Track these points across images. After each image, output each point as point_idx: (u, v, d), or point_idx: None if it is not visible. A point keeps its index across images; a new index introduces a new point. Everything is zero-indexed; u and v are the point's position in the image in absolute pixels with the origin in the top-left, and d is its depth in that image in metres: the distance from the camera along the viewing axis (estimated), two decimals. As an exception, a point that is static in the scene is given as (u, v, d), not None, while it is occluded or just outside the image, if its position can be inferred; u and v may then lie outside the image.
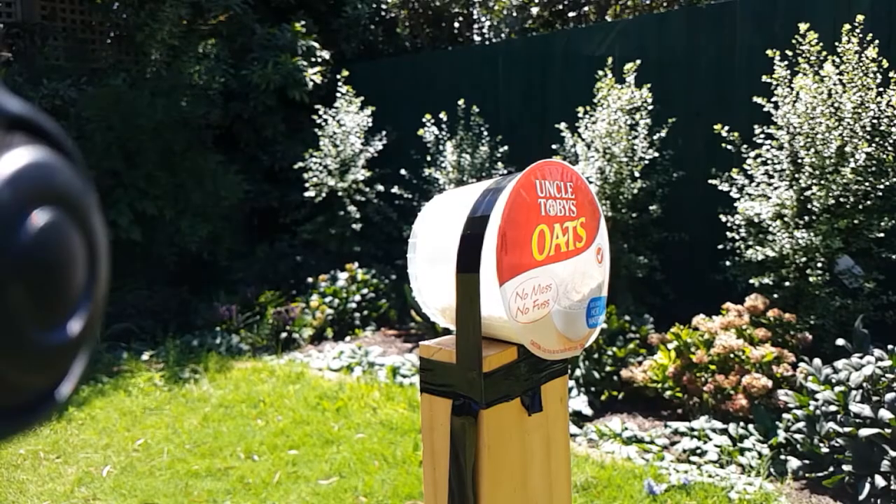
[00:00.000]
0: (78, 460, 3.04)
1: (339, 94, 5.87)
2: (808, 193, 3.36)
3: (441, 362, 0.84)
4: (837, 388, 2.71)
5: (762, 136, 3.65)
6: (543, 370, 0.90)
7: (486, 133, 5.24)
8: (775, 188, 3.53)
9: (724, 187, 3.76)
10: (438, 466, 0.85)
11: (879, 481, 2.42)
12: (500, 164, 5.17)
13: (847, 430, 2.56)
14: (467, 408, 0.81)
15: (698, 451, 2.92)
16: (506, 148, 5.16)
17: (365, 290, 5.34)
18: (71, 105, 5.18)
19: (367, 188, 5.88)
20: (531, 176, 0.83)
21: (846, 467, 2.53)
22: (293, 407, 3.58)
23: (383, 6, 7.43)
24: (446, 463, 0.82)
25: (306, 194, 5.77)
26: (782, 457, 2.78)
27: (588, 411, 3.36)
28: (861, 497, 2.44)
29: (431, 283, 0.91)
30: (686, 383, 3.23)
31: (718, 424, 3.04)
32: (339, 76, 5.98)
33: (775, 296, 3.47)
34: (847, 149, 3.27)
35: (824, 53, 3.43)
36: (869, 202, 3.29)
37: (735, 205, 3.71)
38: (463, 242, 0.81)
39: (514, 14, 7.45)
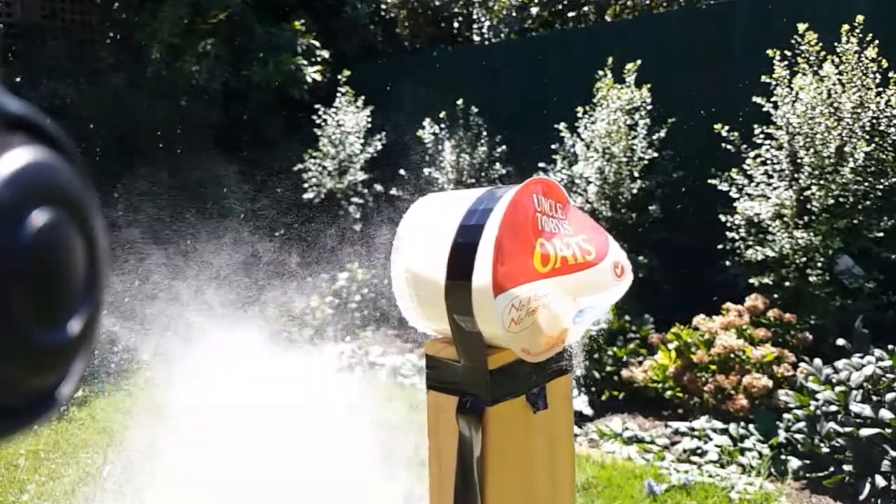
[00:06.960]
0: (78, 460, 3.04)
1: (338, 94, 5.86)
2: (807, 193, 3.36)
3: (447, 359, 0.84)
4: (838, 388, 2.70)
5: (762, 136, 3.65)
6: (548, 367, 0.90)
7: (485, 133, 5.24)
8: (775, 188, 3.52)
9: (724, 187, 3.76)
10: (444, 463, 0.85)
11: (880, 481, 2.42)
12: (498, 164, 5.17)
13: (847, 430, 2.56)
14: (473, 405, 0.81)
15: (699, 451, 2.92)
16: (504, 148, 5.16)
17: (365, 290, 5.34)
18: (71, 105, 5.18)
19: (365, 189, 5.87)
20: (529, 189, 0.82)
21: (846, 467, 2.53)
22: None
23: (383, 6, 7.42)
24: (452, 460, 0.83)
25: (305, 196, 5.76)
26: (783, 457, 2.78)
27: (588, 411, 3.36)
28: (861, 497, 2.44)
29: (419, 292, 0.88)
30: (686, 383, 3.23)
31: (719, 424, 3.04)
32: (339, 76, 5.98)
33: (775, 296, 3.47)
34: (846, 149, 3.27)
35: (823, 53, 3.42)
36: (868, 202, 3.29)
37: (735, 205, 3.71)
38: (454, 250, 0.80)
39: (514, 14, 7.44)
